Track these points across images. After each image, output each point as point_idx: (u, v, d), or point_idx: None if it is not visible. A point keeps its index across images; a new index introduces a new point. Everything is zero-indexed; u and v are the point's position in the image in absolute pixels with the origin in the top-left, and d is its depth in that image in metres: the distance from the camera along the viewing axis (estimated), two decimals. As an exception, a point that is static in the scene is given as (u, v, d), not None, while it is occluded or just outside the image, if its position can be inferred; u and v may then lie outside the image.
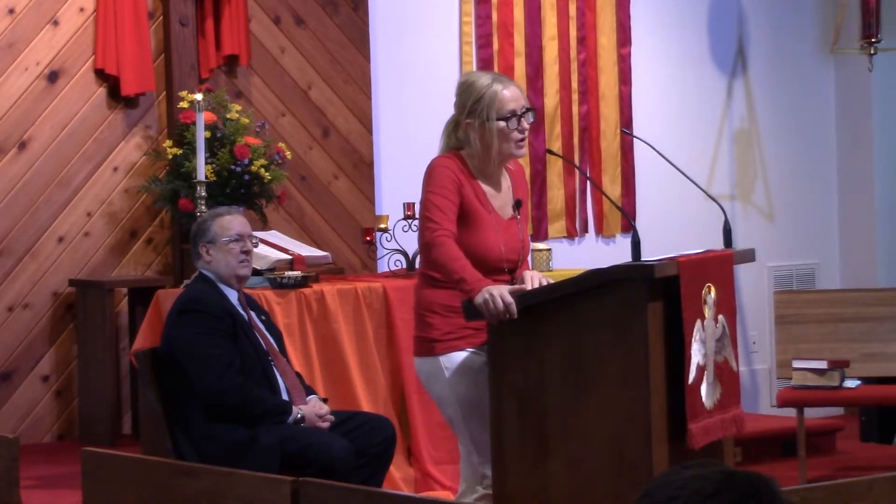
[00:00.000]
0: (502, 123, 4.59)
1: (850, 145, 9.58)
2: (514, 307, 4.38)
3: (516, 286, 4.54)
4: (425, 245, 4.52)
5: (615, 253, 8.76)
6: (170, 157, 7.43)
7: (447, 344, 4.61)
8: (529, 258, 7.35)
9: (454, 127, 4.69)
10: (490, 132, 4.59)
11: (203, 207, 6.85)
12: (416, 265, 6.85)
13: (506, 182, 4.75)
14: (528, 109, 4.65)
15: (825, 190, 9.65)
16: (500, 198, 4.70)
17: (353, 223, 8.16)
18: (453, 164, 4.61)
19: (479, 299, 4.39)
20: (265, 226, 7.57)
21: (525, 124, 4.63)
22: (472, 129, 4.61)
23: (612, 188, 8.89)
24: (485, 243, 4.60)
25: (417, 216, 4.80)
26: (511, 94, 4.61)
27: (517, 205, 4.72)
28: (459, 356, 4.61)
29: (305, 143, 8.16)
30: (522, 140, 4.65)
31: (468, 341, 4.61)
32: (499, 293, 4.37)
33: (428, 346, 4.65)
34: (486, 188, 4.66)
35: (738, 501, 2.01)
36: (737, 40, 9.45)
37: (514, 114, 4.60)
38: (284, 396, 5.52)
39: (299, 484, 3.78)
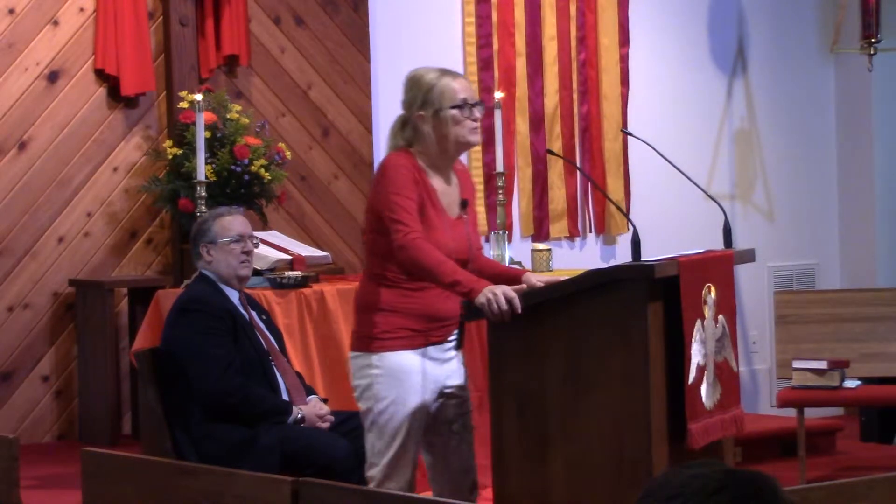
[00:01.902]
0: (455, 111, 4.58)
1: (850, 145, 9.58)
2: (517, 302, 4.36)
3: (516, 286, 4.53)
4: (399, 247, 4.44)
5: (615, 253, 8.77)
6: (170, 157, 7.43)
7: (384, 342, 4.56)
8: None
9: (402, 125, 4.67)
10: (444, 121, 4.58)
11: (203, 207, 6.85)
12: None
13: (454, 180, 4.73)
14: (478, 101, 4.65)
15: (825, 190, 9.65)
16: (449, 196, 4.66)
17: (353, 223, 8.16)
18: (408, 162, 4.57)
19: (481, 299, 4.37)
20: (265, 226, 7.57)
21: (477, 114, 4.64)
22: (424, 122, 4.58)
23: (613, 188, 8.88)
24: (435, 243, 4.56)
25: (368, 214, 4.68)
26: (461, 85, 4.63)
27: (463, 204, 4.70)
28: (394, 356, 4.56)
29: (305, 143, 8.16)
30: (476, 128, 4.64)
31: (406, 342, 4.56)
32: (501, 291, 4.36)
33: (364, 342, 4.59)
34: (436, 186, 4.61)
35: (739, 500, 2.01)
36: (737, 40, 9.45)
37: (465, 102, 4.60)
38: (284, 396, 5.53)
39: (299, 484, 3.78)
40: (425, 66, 4.74)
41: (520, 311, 4.37)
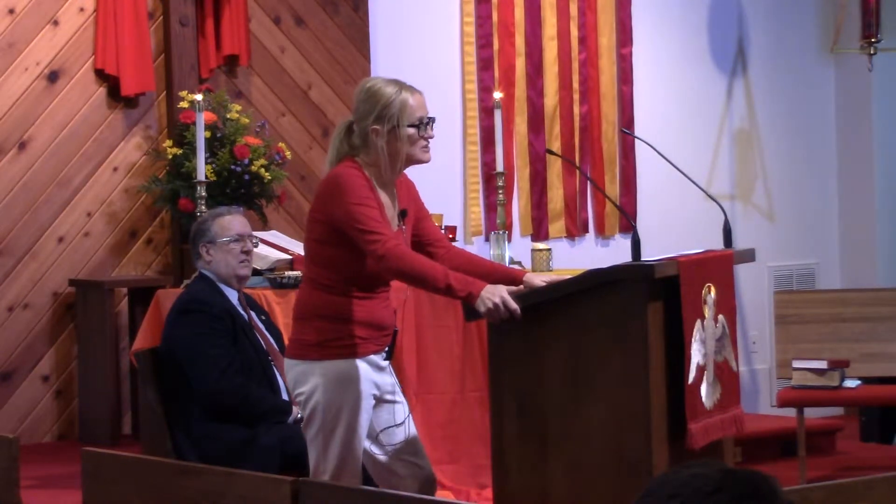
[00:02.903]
0: (412, 130, 4.56)
1: (850, 145, 9.59)
2: (518, 312, 4.36)
3: (514, 287, 4.53)
4: (380, 258, 4.39)
5: (615, 253, 8.76)
6: (170, 157, 7.44)
7: (331, 350, 4.52)
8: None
9: (346, 132, 4.63)
10: (400, 139, 4.54)
11: (203, 207, 6.85)
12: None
13: (393, 192, 4.70)
14: (431, 118, 4.64)
15: (825, 190, 9.66)
16: (391, 209, 4.64)
17: (353, 223, 8.15)
18: (361, 174, 4.53)
19: (481, 307, 4.36)
20: (265, 226, 7.57)
21: (431, 132, 4.62)
22: (378, 136, 4.53)
23: (613, 188, 8.89)
24: None
25: (314, 224, 4.60)
26: (418, 103, 4.59)
27: (402, 215, 4.68)
28: (342, 363, 4.52)
29: (305, 143, 8.17)
30: (427, 146, 4.62)
31: (353, 350, 4.53)
32: (501, 300, 4.35)
33: (309, 350, 4.55)
34: (383, 199, 4.60)
35: (739, 499, 2.01)
36: (737, 40, 9.45)
37: (421, 121, 4.59)
38: (284, 396, 5.53)
39: (299, 484, 3.78)
40: (382, 76, 4.71)
41: (520, 318, 4.37)
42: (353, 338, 4.53)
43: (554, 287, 4.48)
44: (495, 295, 4.36)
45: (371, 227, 4.42)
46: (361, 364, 4.56)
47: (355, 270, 4.51)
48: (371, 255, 4.42)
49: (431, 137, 4.61)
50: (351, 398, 4.54)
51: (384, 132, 4.53)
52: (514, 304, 4.36)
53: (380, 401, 4.66)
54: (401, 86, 4.59)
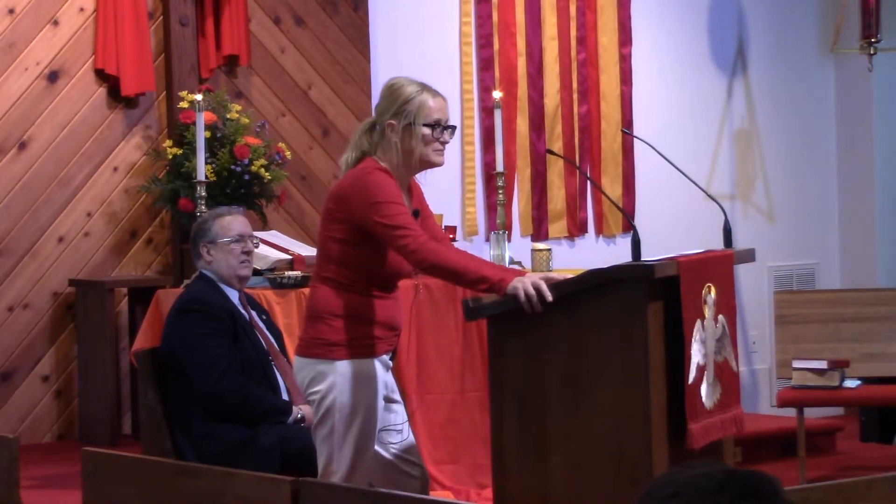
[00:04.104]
0: (427, 130, 4.55)
1: (850, 145, 9.59)
2: (544, 288, 4.31)
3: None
4: (411, 252, 4.38)
5: (615, 253, 8.76)
6: (170, 157, 7.44)
7: (350, 350, 4.52)
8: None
9: (369, 128, 4.63)
10: (414, 136, 4.53)
11: (203, 207, 6.85)
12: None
13: (408, 192, 4.70)
14: (450, 125, 4.63)
15: (825, 190, 9.66)
16: (408, 208, 4.65)
17: (353, 223, 8.15)
18: (389, 175, 4.52)
19: (518, 291, 4.32)
20: (265, 226, 7.57)
21: (447, 137, 4.61)
22: (394, 132, 4.54)
23: (613, 188, 8.89)
24: (396, 258, 4.56)
25: (335, 224, 4.59)
26: (438, 105, 4.58)
27: (415, 214, 4.67)
28: (359, 363, 4.53)
29: (305, 143, 8.17)
30: (442, 149, 4.61)
31: (370, 350, 4.54)
32: (530, 281, 4.32)
33: (326, 349, 4.53)
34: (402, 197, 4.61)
35: (740, 499, 2.01)
36: (737, 40, 9.45)
37: (438, 123, 4.58)
38: (285, 396, 5.53)
39: (299, 484, 3.78)
40: (408, 76, 4.70)
41: (550, 299, 4.32)
42: (371, 338, 4.55)
43: (554, 287, 4.47)
44: (525, 278, 4.32)
45: (401, 223, 4.41)
46: (377, 364, 4.58)
47: (375, 270, 4.51)
48: (402, 250, 4.41)
49: (447, 142, 4.60)
50: (367, 397, 4.55)
51: (399, 128, 4.54)
52: (540, 282, 4.31)
53: (386, 400, 4.67)
54: (423, 87, 4.59)
